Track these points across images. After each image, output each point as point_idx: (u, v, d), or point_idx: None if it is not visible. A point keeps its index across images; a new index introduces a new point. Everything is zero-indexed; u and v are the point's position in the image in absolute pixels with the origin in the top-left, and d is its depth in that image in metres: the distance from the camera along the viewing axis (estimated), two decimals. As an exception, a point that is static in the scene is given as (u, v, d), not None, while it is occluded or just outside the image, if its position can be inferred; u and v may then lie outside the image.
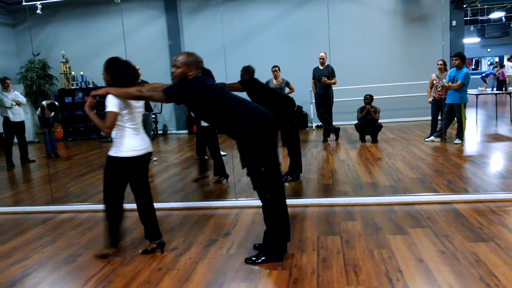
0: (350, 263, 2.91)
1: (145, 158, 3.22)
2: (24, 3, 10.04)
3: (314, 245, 3.26)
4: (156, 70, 10.89)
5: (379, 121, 7.85)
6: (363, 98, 7.97)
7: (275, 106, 5.13)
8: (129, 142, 3.10)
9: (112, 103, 2.99)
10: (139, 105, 3.20)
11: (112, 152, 3.12)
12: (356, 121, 8.01)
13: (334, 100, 7.97)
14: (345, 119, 9.45)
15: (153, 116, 10.20)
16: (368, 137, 7.95)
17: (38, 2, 8.98)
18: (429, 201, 4.12)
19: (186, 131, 11.10)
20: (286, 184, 5.12)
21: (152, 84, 3.38)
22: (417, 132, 8.58)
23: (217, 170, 5.39)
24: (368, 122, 7.83)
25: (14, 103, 7.53)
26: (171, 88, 3.05)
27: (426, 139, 7.48)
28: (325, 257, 3.02)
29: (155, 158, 7.31)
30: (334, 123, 7.99)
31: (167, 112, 11.17)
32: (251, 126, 2.92)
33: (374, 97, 7.98)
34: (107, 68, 3.11)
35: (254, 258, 3.04)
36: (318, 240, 3.35)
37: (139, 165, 3.19)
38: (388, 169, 5.62)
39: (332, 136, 8.23)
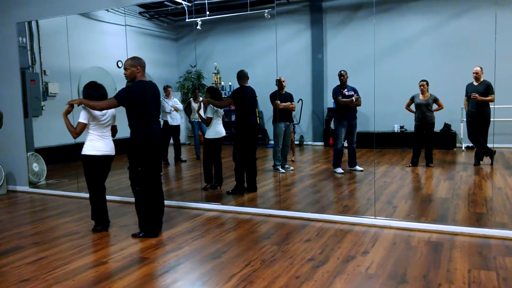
0: (510, 305, 2.57)
1: (105, 159, 4.20)
2: (187, 20, 11.31)
3: (465, 278, 2.96)
4: (299, 83, 11.19)
5: (548, 146, 6.80)
6: (528, 118, 7.00)
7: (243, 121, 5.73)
8: (93, 144, 4.12)
9: (82, 117, 4.06)
10: (104, 117, 4.17)
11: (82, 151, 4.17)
12: (517, 145, 7.06)
13: (493, 119, 7.14)
14: (504, 141, 8.40)
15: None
16: (531, 164, 6.96)
17: (199, 19, 10.01)
18: None
19: (322, 143, 11.12)
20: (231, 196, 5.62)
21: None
22: None
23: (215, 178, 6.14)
24: (533, 147, 6.84)
25: (172, 109, 8.48)
26: (119, 92, 3.95)
27: None
28: (479, 294, 2.72)
29: (291, 168, 7.47)
30: (490, 145, 7.17)
31: (304, 123, 11.35)
32: (137, 138, 3.93)
33: (542, 119, 6.95)
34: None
35: (136, 233, 4.11)
36: (469, 273, 3.03)
37: (99, 163, 4.16)
38: (559, 203, 4.83)
39: (486, 160, 7.40)
